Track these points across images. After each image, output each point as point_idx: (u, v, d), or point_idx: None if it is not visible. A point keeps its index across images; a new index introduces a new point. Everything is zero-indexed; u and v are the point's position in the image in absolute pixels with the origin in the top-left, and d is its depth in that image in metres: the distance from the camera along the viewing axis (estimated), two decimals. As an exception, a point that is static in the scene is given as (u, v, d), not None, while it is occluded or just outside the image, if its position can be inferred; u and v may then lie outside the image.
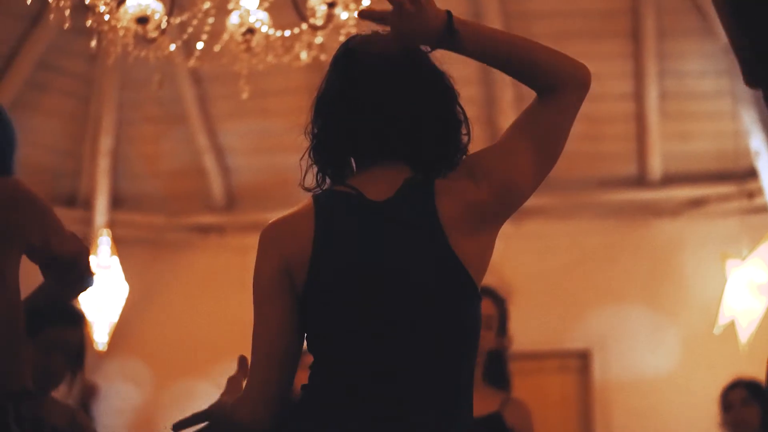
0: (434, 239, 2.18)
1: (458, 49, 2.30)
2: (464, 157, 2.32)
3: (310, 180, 2.36)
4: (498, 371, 4.31)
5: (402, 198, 2.24)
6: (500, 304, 4.37)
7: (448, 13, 2.27)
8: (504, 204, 2.27)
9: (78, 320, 3.96)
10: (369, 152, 2.32)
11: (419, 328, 2.18)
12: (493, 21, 8.16)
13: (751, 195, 8.47)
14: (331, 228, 2.22)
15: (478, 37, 2.29)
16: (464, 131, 2.34)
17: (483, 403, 3.71)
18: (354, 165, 2.35)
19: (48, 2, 4.73)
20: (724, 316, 7.83)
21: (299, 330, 2.25)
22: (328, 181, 2.35)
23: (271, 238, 2.27)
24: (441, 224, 2.19)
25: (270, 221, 2.31)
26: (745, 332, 7.71)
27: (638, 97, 8.68)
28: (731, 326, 7.80)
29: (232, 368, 2.39)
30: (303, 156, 2.36)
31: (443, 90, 2.35)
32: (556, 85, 2.30)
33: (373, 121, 2.29)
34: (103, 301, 8.37)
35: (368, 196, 2.25)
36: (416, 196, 2.23)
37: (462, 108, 2.36)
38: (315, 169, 2.36)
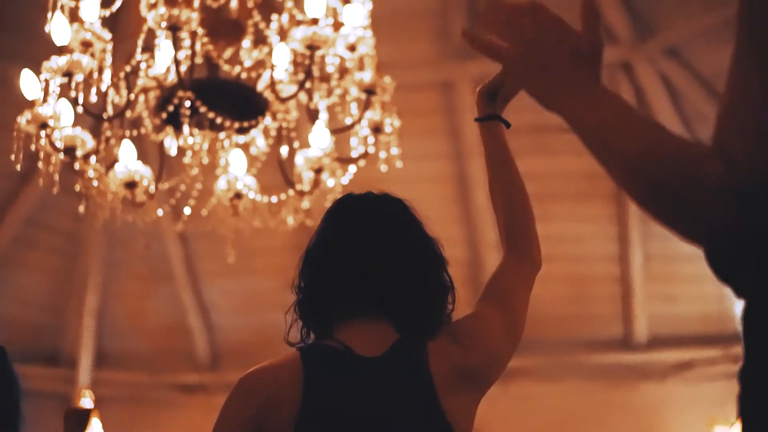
0: (427, 401, 2.19)
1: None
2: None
3: (294, 334, 2.35)
4: None
5: (394, 356, 2.24)
6: None
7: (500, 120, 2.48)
8: (488, 369, 2.30)
9: None
10: (354, 309, 2.31)
11: None
12: (480, 187, 8.32)
13: (737, 359, 8.41)
14: (322, 383, 2.20)
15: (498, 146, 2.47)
16: (450, 299, 2.37)
17: None
18: (337, 319, 2.33)
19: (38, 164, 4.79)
20: (713, 483, 7.74)
21: None
22: (312, 336, 2.35)
23: (252, 388, 2.23)
24: (434, 386, 2.20)
25: (251, 370, 2.27)
26: (732, 500, 7.60)
27: (623, 259, 8.74)
28: (720, 493, 7.70)
29: None
30: (288, 310, 2.35)
31: (432, 256, 2.38)
32: (527, 254, 2.44)
33: (361, 280, 2.30)
34: (83, 464, 8.22)
35: (357, 352, 2.24)
36: (409, 356, 2.24)
37: (449, 275, 2.39)
38: (299, 323, 2.35)
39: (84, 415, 3.85)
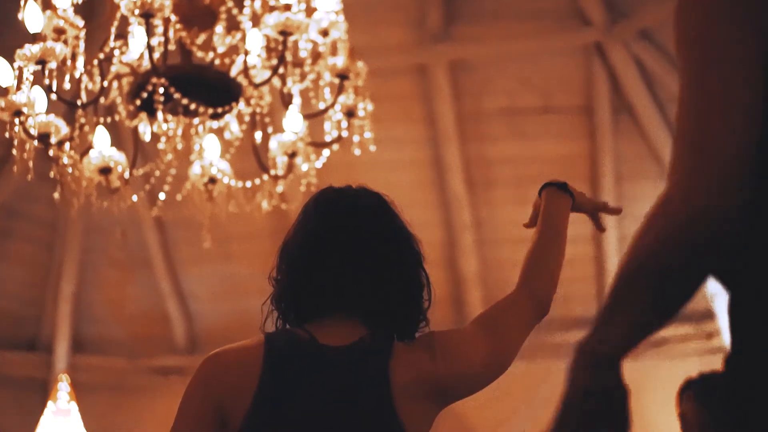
0: (380, 400, 2.19)
1: None
2: (426, 332, 2.35)
3: (270, 325, 2.36)
4: None
5: (356, 352, 2.25)
6: None
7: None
8: (455, 387, 2.30)
9: None
10: (328, 305, 2.32)
11: None
12: (455, 172, 8.37)
13: (709, 336, 8.53)
14: (279, 370, 2.22)
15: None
16: (425, 296, 2.37)
17: None
18: (311, 313, 2.34)
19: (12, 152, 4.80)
20: (686, 459, 7.80)
21: None
22: (287, 327, 2.36)
23: (214, 372, 2.26)
24: (390, 387, 2.20)
25: (216, 351, 2.29)
26: (707, 475, 7.66)
27: (597, 240, 8.79)
28: (693, 469, 7.76)
29: None
30: (265, 301, 2.37)
31: (409, 252, 2.38)
32: (537, 300, 2.45)
33: (336, 275, 2.31)
34: (61, 449, 8.23)
35: (321, 342, 2.25)
36: (371, 353, 2.24)
37: (426, 272, 2.39)
38: (275, 314, 2.36)
39: None
